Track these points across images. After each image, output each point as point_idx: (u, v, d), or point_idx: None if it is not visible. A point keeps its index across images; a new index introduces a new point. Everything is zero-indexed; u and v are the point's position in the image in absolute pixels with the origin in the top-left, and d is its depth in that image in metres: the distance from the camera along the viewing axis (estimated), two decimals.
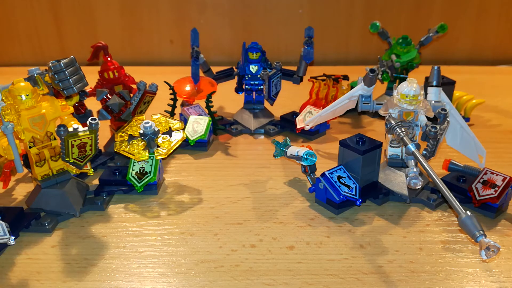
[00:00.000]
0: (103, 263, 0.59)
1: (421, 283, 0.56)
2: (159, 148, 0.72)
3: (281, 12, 1.37)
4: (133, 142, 0.72)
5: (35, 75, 0.67)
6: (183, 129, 0.75)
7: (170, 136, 0.73)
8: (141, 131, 0.71)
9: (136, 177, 0.71)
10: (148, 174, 0.71)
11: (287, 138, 0.77)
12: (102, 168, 0.80)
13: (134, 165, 0.72)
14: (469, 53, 1.42)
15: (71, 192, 0.68)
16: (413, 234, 0.64)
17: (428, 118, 0.68)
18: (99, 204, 0.69)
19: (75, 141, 0.65)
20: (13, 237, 0.58)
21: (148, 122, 0.71)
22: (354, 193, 0.67)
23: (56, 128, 0.64)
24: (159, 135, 0.72)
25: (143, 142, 0.71)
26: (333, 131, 0.94)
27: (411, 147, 0.63)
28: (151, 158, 0.72)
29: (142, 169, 0.72)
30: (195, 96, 0.94)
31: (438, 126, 0.66)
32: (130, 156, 0.71)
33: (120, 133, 0.73)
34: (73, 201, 0.68)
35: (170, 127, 0.74)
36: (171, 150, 0.72)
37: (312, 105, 0.92)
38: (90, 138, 0.66)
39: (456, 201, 0.58)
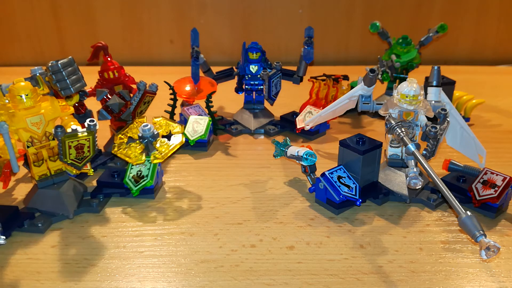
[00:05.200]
0: (103, 263, 0.59)
1: (421, 283, 0.56)
2: (156, 152, 0.71)
3: (281, 12, 1.37)
4: (131, 145, 0.71)
5: (37, 74, 0.67)
6: (183, 133, 0.75)
7: (169, 140, 0.73)
8: (140, 134, 0.71)
9: (133, 180, 0.71)
10: (145, 178, 0.71)
11: (287, 138, 0.77)
12: (102, 168, 0.80)
13: (131, 168, 0.72)
14: (469, 53, 1.42)
15: (66, 193, 0.68)
16: (413, 234, 0.64)
17: (428, 118, 0.68)
18: (94, 206, 0.69)
19: (72, 142, 0.65)
20: (3, 237, 0.57)
21: (147, 125, 0.70)
22: (354, 193, 0.67)
23: (53, 129, 0.64)
24: (158, 138, 0.72)
25: (141, 145, 0.71)
26: (333, 131, 0.94)
27: (411, 147, 0.63)
28: (149, 161, 0.72)
29: (139, 172, 0.71)
30: (195, 96, 0.94)
31: (438, 126, 0.66)
32: (126, 159, 0.70)
33: (120, 135, 0.73)
34: (67, 202, 0.67)
35: (170, 131, 0.74)
36: (169, 154, 0.71)
37: (312, 105, 0.92)
38: (88, 139, 0.66)
39: (456, 201, 0.58)
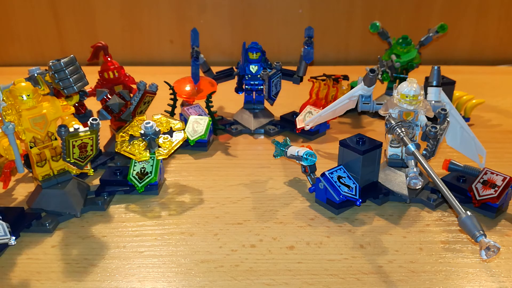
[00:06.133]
0: (103, 263, 0.59)
1: (421, 283, 0.56)
2: (160, 148, 0.72)
3: (281, 12, 1.37)
4: (134, 143, 0.72)
5: (36, 75, 0.67)
6: (184, 129, 0.75)
7: (171, 136, 0.73)
8: (142, 131, 0.71)
9: (137, 177, 0.71)
10: (149, 175, 0.71)
11: (287, 138, 0.77)
12: (103, 168, 0.80)
13: (135, 166, 0.72)
14: (469, 53, 1.42)
15: (72, 193, 0.68)
16: (413, 234, 0.64)
17: (428, 118, 0.68)
18: (100, 205, 0.69)
19: (76, 141, 0.65)
20: (13, 238, 0.58)
21: (149, 123, 0.71)
22: (354, 193, 0.67)
23: (57, 129, 0.64)
24: (160, 135, 0.72)
25: (144, 142, 0.71)
26: (333, 131, 0.94)
27: (411, 147, 0.63)
28: (152, 158, 0.72)
29: (143, 169, 0.72)
30: (195, 96, 0.94)
31: (438, 126, 0.66)
32: (131, 156, 0.71)
33: (121, 133, 0.73)
34: (74, 201, 0.68)
35: (171, 127, 0.74)
36: (172, 150, 0.72)
37: (312, 105, 0.92)
38: (91, 138, 0.66)
39: (456, 201, 0.58)
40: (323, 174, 0.68)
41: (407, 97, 0.67)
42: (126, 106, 0.80)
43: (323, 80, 0.94)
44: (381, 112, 0.70)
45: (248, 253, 0.61)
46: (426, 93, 0.73)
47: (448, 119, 0.68)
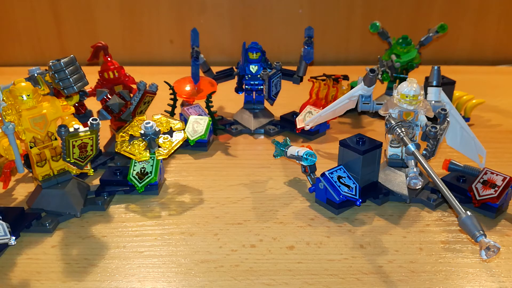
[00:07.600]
0: (103, 263, 0.59)
1: (421, 283, 0.56)
2: (160, 149, 0.72)
3: (281, 12, 1.37)
4: (134, 143, 0.72)
5: (36, 75, 0.67)
6: (184, 129, 0.75)
7: (171, 136, 0.73)
8: (142, 131, 0.71)
9: (137, 177, 0.71)
10: (149, 175, 0.71)
11: (287, 138, 0.77)
12: (103, 168, 0.80)
13: (135, 165, 0.72)
14: (469, 53, 1.42)
15: (72, 193, 0.68)
16: (413, 234, 0.64)
17: (428, 118, 0.68)
18: (100, 205, 0.69)
19: (76, 141, 0.65)
20: (13, 238, 0.58)
21: (149, 123, 0.71)
22: (354, 193, 0.67)
23: (57, 129, 0.64)
24: (160, 135, 0.72)
25: (144, 142, 0.71)
26: (333, 131, 0.94)
27: (411, 147, 0.63)
28: (152, 158, 0.72)
29: (143, 169, 0.72)
30: (195, 96, 0.94)
31: (438, 126, 0.66)
32: (131, 156, 0.71)
33: (121, 133, 0.73)
34: (74, 201, 0.68)
35: (171, 127, 0.74)
36: (172, 150, 0.72)
37: (312, 105, 0.92)
38: (91, 138, 0.66)
39: (456, 201, 0.58)
40: (323, 174, 0.68)
41: (407, 97, 0.67)
42: (126, 106, 0.80)
43: (323, 80, 0.94)
44: (381, 112, 0.70)
45: (248, 253, 0.61)
46: (426, 93, 0.73)
47: (448, 119, 0.68)
